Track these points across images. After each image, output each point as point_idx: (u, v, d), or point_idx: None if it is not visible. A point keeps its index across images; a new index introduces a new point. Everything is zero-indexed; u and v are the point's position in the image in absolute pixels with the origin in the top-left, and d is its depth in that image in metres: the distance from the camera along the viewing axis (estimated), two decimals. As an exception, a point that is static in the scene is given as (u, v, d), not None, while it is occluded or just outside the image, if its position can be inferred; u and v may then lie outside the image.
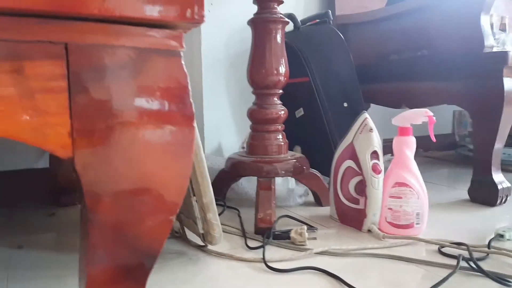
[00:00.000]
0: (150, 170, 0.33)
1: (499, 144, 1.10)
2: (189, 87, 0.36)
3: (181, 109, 0.35)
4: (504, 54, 1.04)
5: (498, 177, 1.10)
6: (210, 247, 0.77)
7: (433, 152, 2.10)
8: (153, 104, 0.33)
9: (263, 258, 0.71)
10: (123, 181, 0.32)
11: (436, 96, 1.24)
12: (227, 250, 0.77)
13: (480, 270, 0.66)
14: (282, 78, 0.96)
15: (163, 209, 0.35)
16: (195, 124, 0.36)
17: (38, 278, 0.67)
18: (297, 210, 1.05)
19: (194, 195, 0.70)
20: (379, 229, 0.86)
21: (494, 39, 1.56)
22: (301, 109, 1.31)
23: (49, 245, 0.83)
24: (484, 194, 1.10)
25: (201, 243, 0.77)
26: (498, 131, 1.07)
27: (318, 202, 1.10)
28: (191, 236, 0.79)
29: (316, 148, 1.26)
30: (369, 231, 0.87)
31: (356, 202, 0.90)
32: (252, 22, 0.95)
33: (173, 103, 0.35)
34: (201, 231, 0.72)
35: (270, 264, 0.70)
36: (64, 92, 0.30)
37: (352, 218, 0.91)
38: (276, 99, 0.97)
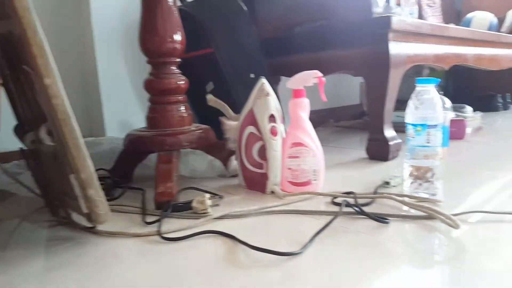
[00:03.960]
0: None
1: (389, 105, 1.19)
2: None
3: None
4: (387, 18, 1.12)
5: (389, 133, 1.19)
6: (101, 227, 0.72)
7: (344, 122, 2.23)
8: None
9: (158, 230, 0.68)
10: None
11: (336, 64, 1.31)
12: (121, 229, 0.72)
13: (362, 212, 0.71)
14: (178, 46, 0.92)
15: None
16: None
17: None
18: (213, 182, 1.03)
19: (72, 172, 0.64)
20: (281, 189, 0.89)
21: (392, 13, 1.69)
22: (211, 83, 1.29)
23: None
24: (378, 151, 1.19)
25: (89, 225, 0.72)
26: (387, 93, 1.16)
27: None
28: (83, 221, 0.74)
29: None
30: (272, 192, 0.89)
31: (260, 166, 0.91)
32: (139, -14, 0.89)
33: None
34: (85, 211, 0.66)
35: (166, 236, 0.67)
36: None
37: (257, 183, 0.92)
38: (174, 68, 0.94)
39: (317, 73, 0.86)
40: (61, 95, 0.59)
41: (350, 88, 2.36)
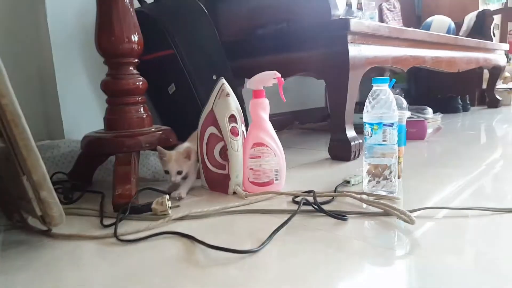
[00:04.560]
0: None
1: (349, 105, 1.22)
2: None
3: None
4: (346, 20, 1.15)
5: (351, 134, 1.22)
6: (57, 230, 0.69)
7: (309, 125, 2.27)
8: None
9: (114, 232, 0.67)
10: None
11: (298, 66, 1.33)
12: (78, 232, 0.70)
13: (321, 210, 0.72)
14: (135, 46, 0.90)
15: None
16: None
17: None
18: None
19: (24, 174, 0.62)
20: (244, 189, 0.88)
21: (353, 16, 1.73)
22: (173, 84, 1.28)
23: None
24: (340, 151, 1.22)
25: (45, 228, 0.69)
26: (347, 94, 1.19)
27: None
28: (39, 224, 0.71)
29: (192, 123, 1.25)
30: (234, 193, 0.89)
31: (222, 167, 0.91)
32: (95, -14, 0.87)
33: None
34: (39, 213, 0.64)
35: (124, 238, 0.66)
36: None
37: (220, 184, 0.92)
38: (132, 68, 0.92)
39: (276, 73, 0.87)
40: (9, 94, 0.56)
41: (315, 91, 2.41)
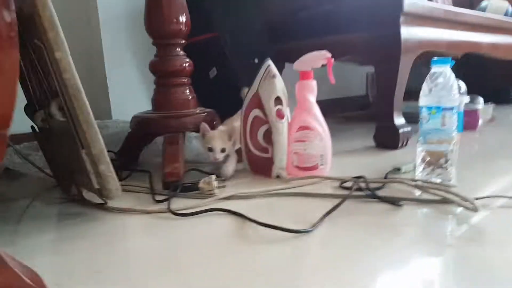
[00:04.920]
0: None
1: (399, 91, 1.17)
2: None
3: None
4: (399, 0, 1.09)
5: (399, 121, 1.17)
6: (111, 204, 0.71)
7: (349, 113, 2.21)
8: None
9: (168, 207, 0.68)
10: None
11: (343, 49, 1.28)
12: (131, 206, 0.72)
13: (374, 195, 0.69)
14: (183, 27, 0.91)
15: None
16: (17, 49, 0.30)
17: None
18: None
19: (83, 148, 0.64)
20: (287, 174, 0.87)
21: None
22: (214, 68, 1.28)
23: None
24: (386, 139, 1.17)
25: (100, 201, 0.71)
26: (397, 79, 1.14)
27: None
28: (94, 198, 0.74)
29: (233, 107, 1.25)
30: (277, 177, 0.87)
31: (266, 151, 0.90)
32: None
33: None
34: (96, 187, 0.66)
35: (176, 212, 0.67)
36: None
37: (262, 167, 0.91)
38: (179, 50, 0.92)
39: (327, 53, 0.84)
40: (72, 69, 0.58)
41: (356, 79, 2.34)
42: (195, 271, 0.48)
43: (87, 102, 0.60)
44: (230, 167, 0.89)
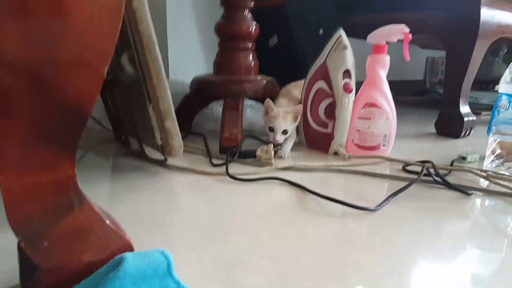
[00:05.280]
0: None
1: (468, 78, 1.09)
2: None
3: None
4: (483, -21, 1.00)
5: (465, 109, 1.10)
6: (170, 161, 0.73)
7: (404, 97, 2.11)
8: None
9: (226, 171, 0.68)
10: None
11: (415, 26, 1.19)
12: (190, 166, 0.73)
13: (444, 181, 0.66)
14: (253, -12, 0.88)
15: (88, 59, 0.29)
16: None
17: None
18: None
19: (150, 102, 0.64)
20: (346, 151, 0.85)
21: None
22: (275, 36, 1.24)
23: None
24: (450, 126, 1.11)
25: (161, 158, 0.72)
26: (469, 65, 1.06)
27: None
28: (153, 154, 0.75)
29: (292, 78, 1.22)
30: (335, 153, 0.85)
31: (325, 125, 0.88)
32: None
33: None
34: (160, 142, 0.67)
35: (236, 176, 0.67)
36: None
37: (319, 142, 0.89)
38: (247, 12, 0.90)
39: (405, 27, 0.79)
40: (148, 20, 0.58)
41: (414, 62, 2.21)
42: (260, 235, 0.47)
43: (160, 56, 0.59)
44: (288, 145, 0.85)
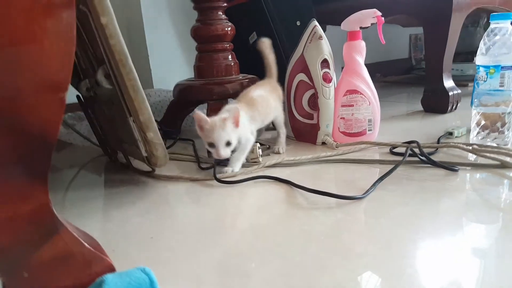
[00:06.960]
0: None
1: (449, 52, 1.09)
2: None
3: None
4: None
5: (448, 84, 1.11)
6: (158, 171, 0.73)
7: (392, 77, 2.11)
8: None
9: (214, 175, 0.68)
10: None
11: (390, 7, 1.20)
12: (178, 174, 0.73)
13: (429, 160, 0.66)
14: (224, -11, 0.88)
15: (47, 86, 0.29)
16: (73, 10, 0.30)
17: None
18: (261, 135, 1.01)
19: (130, 115, 0.64)
20: (333, 140, 0.85)
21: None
22: (254, 33, 1.24)
23: None
24: (435, 102, 1.11)
25: (148, 169, 0.73)
26: (447, 39, 1.06)
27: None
28: (141, 166, 0.75)
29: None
30: (323, 143, 0.86)
31: (310, 117, 0.88)
32: None
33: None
34: (144, 154, 0.67)
35: (223, 179, 0.67)
36: None
37: (307, 134, 0.89)
38: (221, 13, 0.90)
39: (376, 11, 0.79)
40: (118, 35, 0.57)
41: (398, 41, 2.21)
42: (247, 236, 0.48)
43: (133, 68, 0.59)
44: (282, 142, 0.84)
